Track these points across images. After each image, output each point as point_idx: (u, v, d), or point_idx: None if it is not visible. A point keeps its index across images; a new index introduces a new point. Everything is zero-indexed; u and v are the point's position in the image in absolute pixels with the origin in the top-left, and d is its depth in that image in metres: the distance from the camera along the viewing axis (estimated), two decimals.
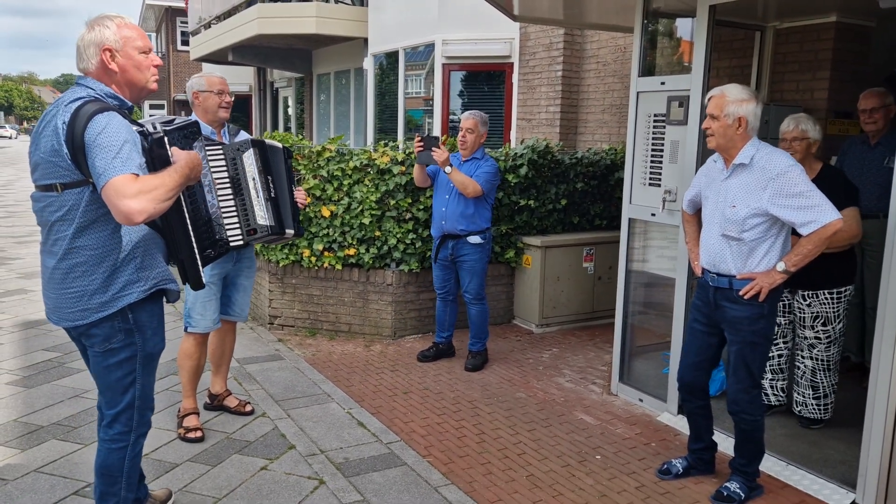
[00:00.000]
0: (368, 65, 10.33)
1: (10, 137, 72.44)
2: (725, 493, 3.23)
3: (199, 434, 3.78)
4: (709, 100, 3.17)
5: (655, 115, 4.25)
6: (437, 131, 8.66)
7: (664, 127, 4.19)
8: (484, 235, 4.93)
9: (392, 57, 9.97)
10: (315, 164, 5.62)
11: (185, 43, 31.20)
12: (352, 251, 5.62)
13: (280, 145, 3.48)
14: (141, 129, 2.37)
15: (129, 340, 2.44)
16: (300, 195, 3.68)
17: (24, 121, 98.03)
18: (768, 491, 3.36)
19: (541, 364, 5.22)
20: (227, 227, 2.94)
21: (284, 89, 15.74)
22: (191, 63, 30.84)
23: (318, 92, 13.77)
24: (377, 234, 5.59)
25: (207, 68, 18.37)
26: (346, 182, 5.58)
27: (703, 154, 3.94)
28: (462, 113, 5.11)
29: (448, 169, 4.70)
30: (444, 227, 4.92)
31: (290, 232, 3.38)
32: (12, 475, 3.36)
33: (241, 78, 17.56)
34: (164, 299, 2.56)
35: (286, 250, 5.72)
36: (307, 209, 5.58)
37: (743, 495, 3.23)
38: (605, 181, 6.48)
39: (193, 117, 3.72)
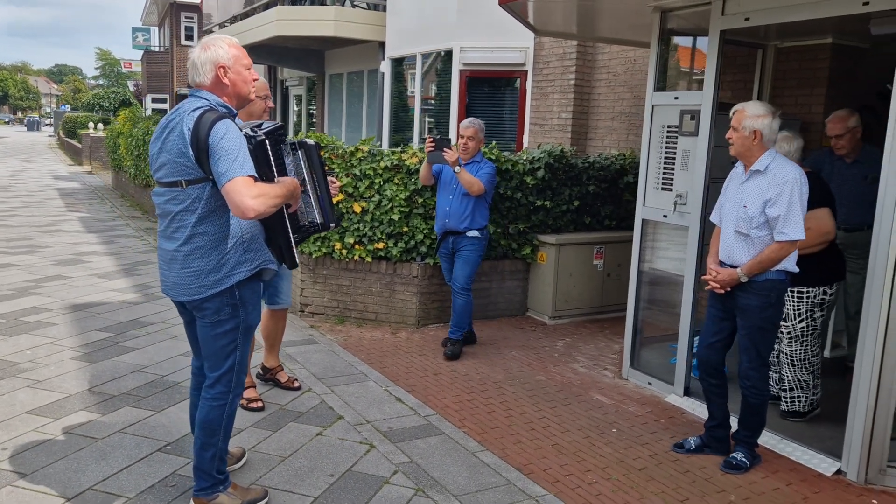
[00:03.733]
0: (385, 68, 10.76)
1: (8, 123, 72.52)
2: (734, 462, 3.72)
3: (259, 404, 4.23)
4: (733, 113, 3.66)
5: (669, 127, 4.71)
6: (452, 135, 9.11)
7: (676, 137, 4.65)
8: (482, 232, 5.37)
9: (409, 61, 10.41)
10: (348, 164, 6.07)
11: (189, 38, 31.53)
12: (381, 245, 6.06)
13: (313, 142, 3.86)
14: (245, 133, 2.81)
15: (235, 313, 2.89)
16: (334, 186, 4.02)
17: (19, 111, 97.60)
18: (765, 461, 3.83)
19: (556, 352, 5.68)
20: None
21: (295, 88, 16.15)
22: None
23: (329, 92, 14.19)
24: (405, 229, 6.03)
25: None
26: (377, 180, 6.02)
27: (712, 163, 4.41)
28: (465, 119, 5.45)
29: (457, 169, 5.13)
30: (447, 224, 5.33)
31: (332, 226, 3.79)
32: (100, 434, 3.80)
33: None
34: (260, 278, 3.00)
35: (318, 243, 6.16)
36: (340, 205, 6.02)
37: (748, 463, 3.72)
38: (614, 185, 6.95)
39: (273, 122, 4.12)
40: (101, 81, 58.83)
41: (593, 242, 6.62)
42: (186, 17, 31.13)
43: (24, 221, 11.58)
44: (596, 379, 5.08)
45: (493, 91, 9.12)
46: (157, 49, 36.67)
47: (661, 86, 4.90)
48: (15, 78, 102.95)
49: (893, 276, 3.48)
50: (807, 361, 4.26)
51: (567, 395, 4.74)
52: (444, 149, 5.10)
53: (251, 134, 2.87)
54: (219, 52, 2.82)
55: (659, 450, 3.96)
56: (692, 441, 3.95)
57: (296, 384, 4.64)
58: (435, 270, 6.18)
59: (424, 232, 6.02)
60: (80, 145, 27.78)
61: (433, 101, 10.15)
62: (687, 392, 4.65)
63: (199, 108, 2.75)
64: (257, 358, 4.88)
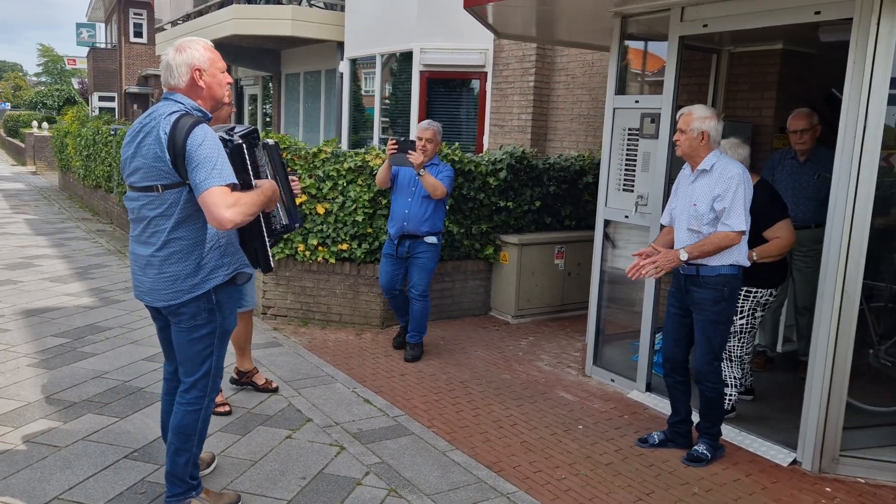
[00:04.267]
0: (344, 68, 10.71)
1: None
2: (695, 454, 3.84)
3: (227, 409, 4.19)
4: (679, 116, 3.79)
5: (630, 129, 4.83)
6: (413, 136, 9.13)
7: (638, 140, 4.77)
8: (438, 237, 5.37)
9: (368, 62, 10.39)
10: (311, 165, 6.04)
11: (138, 35, 30.83)
12: (345, 246, 6.05)
13: (273, 141, 3.84)
14: (220, 137, 2.79)
15: (211, 318, 2.87)
16: (295, 185, 4.00)
17: None
18: (727, 453, 3.96)
19: (520, 350, 5.76)
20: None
21: (251, 87, 15.95)
22: (145, 56, 30.52)
23: (286, 91, 14.06)
24: (369, 230, 6.04)
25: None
26: (340, 182, 6.01)
27: (672, 164, 4.54)
28: (423, 121, 5.39)
29: (422, 172, 5.07)
30: (405, 227, 5.24)
31: (297, 226, 3.79)
32: (63, 442, 3.72)
33: None
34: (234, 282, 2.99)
35: (281, 245, 6.12)
36: (303, 207, 5.99)
37: (710, 455, 3.84)
38: (574, 185, 7.07)
39: (245, 126, 4.09)
40: (43, 79, 56.89)
41: (554, 242, 6.73)
42: (136, 14, 30.40)
43: None
44: (560, 377, 5.17)
45: (453, 92, 9.17)
46: (103, 46, 35.70)
47: (622, 89, 5.02)
48: None
49: (845, 273, 3.64)
50: (740, 358, 4.38)
51: (533, 392, 4.82)
52: (409, 151, 5.01)
53: (226, 138, 2.86)
54: (194, 54, 2.80)
55: (624, 445, 4.06)
56: (656, 436, 4.06)
57: (273, 385, 4.61)
58: None
59: (389, 233, 6.02)
60: (23, 145, 26.89)
61: (392, 102, 10.15)
62: (649, 388, 4.77)
63: (175, 112, 2.72)
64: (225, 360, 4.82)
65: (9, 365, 4.82)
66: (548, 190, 6.87)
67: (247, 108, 16.49)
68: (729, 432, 4.18)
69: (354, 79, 10.73)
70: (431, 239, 5.29)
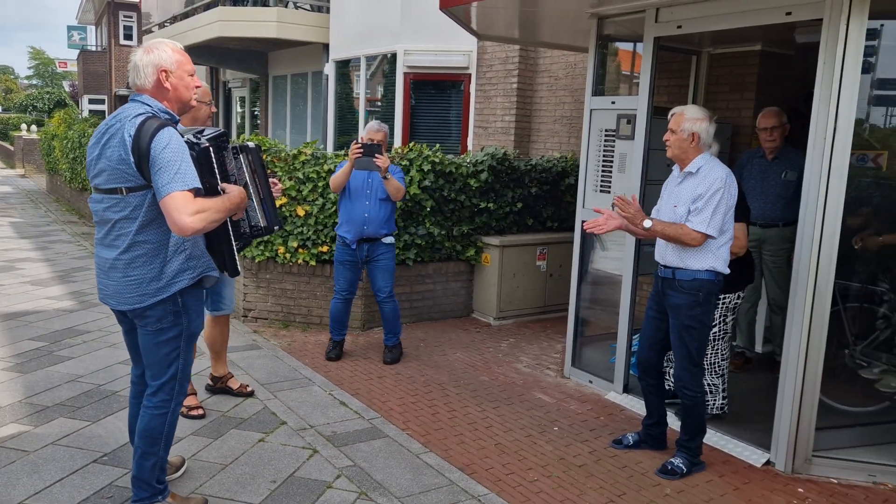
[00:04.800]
0: (329, 70, 10.69)
1: None
2: (669, 467, 3.74)
3: (200, 412, 4.16)
4: (671, 116, 3.72)
5: (606, 130, 4.83)
6: (398, 138, 9.12)
7: (614, 141, 4.77)
8: (393, 237, 5.35)
9: (353, 64, 10.37)
10: (291, 167, 6.02)
11: (128, 37, 30.72)
12: (325, 248, 6.03)
13: (254, 144, 3.83)
14: (188, 140, 2.77)
15: (177, 321, 2.84)
16: (276, 188, 3.98)
17: None
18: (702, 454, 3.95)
19: (500, 352, 5.75)
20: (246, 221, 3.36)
21: (238, 89, 15.90)
22: None
23: (273, 93, 14.03)
24: None
25: None
26: (320, 184, 5.99)
27: (648, 166, 4.54)
28: (373, 122, 5.27)
29: (388, 175, 5.00)
30: (365, 231, 5.15)
31: (276, 229, 3.78)
32: (32, 447, 3.68)
33: None
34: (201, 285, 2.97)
35: (261, 247, 6.09)
36: (283, 209, 5.97)
37: (685, 469, 3.73)
38: (556, 186, 7.07)
39: (216, 129, 4.06)
40: (34, 81, 56.70)
41: (536, 244, 6.72)
42: (125, 17, 30.29)
43: None
44: (538, 378, 5.16)
45: (437, 94, 9.16)
46: (94, 48, 35.57)
47: (599, 90, 5.02)
48: None
49: (816, 273, 3.64)
50: (717, 365, 4.33)
51: (510, 394, 4.81)
52: (376, 155, 4.88)
53: (194, 140, 2.83)
54: (162, 55, 2.78)
55: (598, 446, 4.05)
56: (630, 437, 4.05)
57: (248, 389, 4.58)
58: None
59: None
60: (12, 148, 26.77)
61: (378, 104, 10.14)
62: (626, 389, 4.77)
63: (140, 114, 2.70)
64: (200, 364, 4.80)
65: None
66: (529, 191, 6.87)
67: (235, 110, 16.44)
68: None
69: (340, 81, 10.71)
70: (389, 240, 5.27)
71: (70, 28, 38.30)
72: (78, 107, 33.45)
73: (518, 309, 6.69)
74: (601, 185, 4.89)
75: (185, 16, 13.27)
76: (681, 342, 3.69)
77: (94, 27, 37.62)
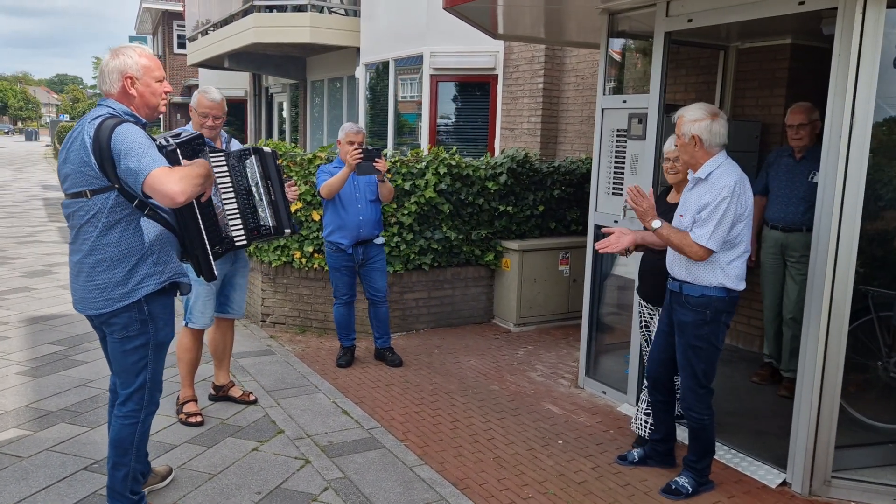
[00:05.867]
0: (360, 74, 10.69)
1: (8, 133, 72.99)
2: (674, 487, 3.52)
3: (199, 419, 4.14)
4: (674, 119, 3.47)
5: (618, 131, 4.63)
6: (424, 139, 9.03)
7: (626, 141, 4.57)
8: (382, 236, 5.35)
9: (383, 66, 10.35)
10: (306, 171, 5.98)
11: (182, 46, 31.49)
12: None
13: (270, 149, 3.82)
14: (156, 142, 2.74)
15: (144, 329, 2.80)
16: (291, 192, 3.97)
17: (19, 121, 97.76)
18: (711, 472, 3.70)
19: (515, 360, 5.59)
20: (231, 227, 3.33)
21: (279, 95, 16.10)
22: (187, 66, 31.25)
23: (312, 98, 14.14)
24: None
25: (205, 74, 18.72)
26: None
27: (659, 167, 4.32)
28: (351, 124, 5.13)
29: (385, 178, 5.00)
30: (361, 234, 5.11)
31: (288, 231, 3.77)
32: (26, 453, 3.71)
33: (237, 83, 17.90)
34: (178, 293, 2.93)
35: (278, 252, 6.08)
36: (299, 213, 5.94)
37: (690, 489, 3.50)
38: (580, 188, 6.86)
39: (190, 127, 4.10)
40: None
41: (558, 248, 6.53)
42: (178, 26, 31.08)
43: (2, 233, 11.51)
44: (551, 388, 4.98)
45: (464, 95, 9.04)
46: None
47: (616, 88, 4.82)
48: (14, 88, 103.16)
49: (833, 283, 3.39)
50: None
51: (518, 405, 4.65)
52: (376, 159, 4.82)
53: (163, 143, 2.81)
54: (127, 61, 2.75)
55: (602, 462, 3.86)
56: (636, 453, 3.85)
57: (251, 397, 4.55)
58: (395, 279, 6.09)
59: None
60: None
61: (407, 106, 10.08)
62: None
63: (100, 115, 2.68)
64: (206, 371, 4.80)
65: None
66: (552, 194, 6.68)
67: (276, 115, 16.65)
68: (717, 449, 3.94)
69: (371, 84, 10.70)
70: (381, 240, 5.28)
71: (132, 38, 39.65)
72: None
73: (539, 315, 6.51)
74: (613, 188, 4.69)
75: (224, 23, 13.49)
76: (687, 362, 3.44)
77: (151, 37, 38.81)
